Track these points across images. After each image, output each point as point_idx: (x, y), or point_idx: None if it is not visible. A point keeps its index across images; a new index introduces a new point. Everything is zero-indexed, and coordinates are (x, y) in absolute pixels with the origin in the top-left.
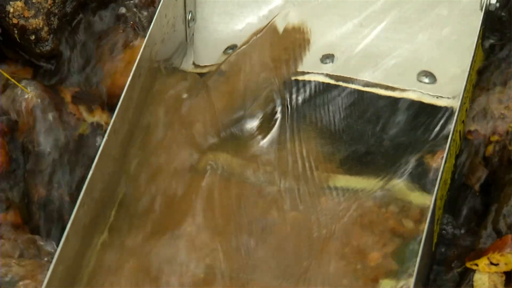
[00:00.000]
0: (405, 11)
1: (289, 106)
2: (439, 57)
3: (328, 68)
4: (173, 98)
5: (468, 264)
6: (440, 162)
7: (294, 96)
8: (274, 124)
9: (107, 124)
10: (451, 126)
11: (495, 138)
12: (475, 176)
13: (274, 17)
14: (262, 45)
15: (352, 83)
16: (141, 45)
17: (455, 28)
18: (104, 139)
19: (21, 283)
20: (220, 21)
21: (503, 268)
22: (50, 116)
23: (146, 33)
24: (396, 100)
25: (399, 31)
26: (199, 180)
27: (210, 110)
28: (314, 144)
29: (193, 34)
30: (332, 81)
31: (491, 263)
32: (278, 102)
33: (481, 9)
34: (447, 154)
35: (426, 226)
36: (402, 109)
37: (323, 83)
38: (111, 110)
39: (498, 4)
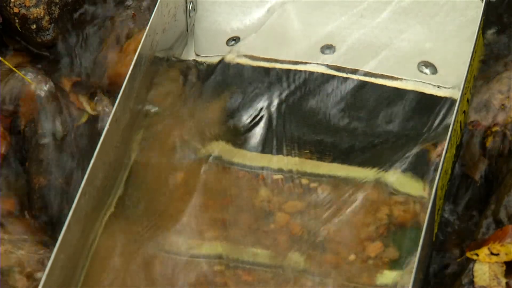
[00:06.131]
0: (406, 2)
1: (288, 96)
2: (440, 48)
3: (328, 58)
4: (174, 87)
5: (468, 254)
6: (441, 152)
7: (293, 86)
8: (273, 113)
9: (109, 113)
10: (452, 117)
11: (496, 128)
12: (475, 166)
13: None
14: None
15: (353, 74)
16: (143, 34)
17: (456, 18)
18: (106, 128)
19: (19, 269)
20: (221, 12)
21: (503, 258)
22: (50, 105)
23: (147, 22)
24: (397, 91)
25: (399, 21)
26: (198, 169)
27: (209, 100)
28: (313, 134)
29: (193, 24)
30: (332, 72)
31: (492, 253)
32: (278, 92)
33: (482, 0)
34: (448, 144)
35: (427, 216)
36: (403, 100)
37: (323, 73)
38: (113, 99)
39: None
